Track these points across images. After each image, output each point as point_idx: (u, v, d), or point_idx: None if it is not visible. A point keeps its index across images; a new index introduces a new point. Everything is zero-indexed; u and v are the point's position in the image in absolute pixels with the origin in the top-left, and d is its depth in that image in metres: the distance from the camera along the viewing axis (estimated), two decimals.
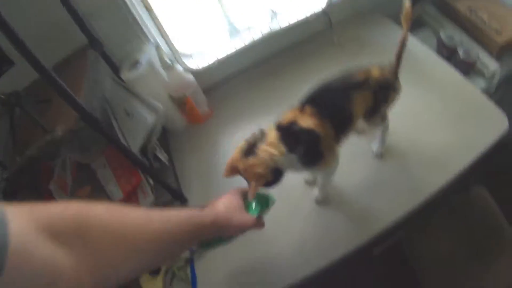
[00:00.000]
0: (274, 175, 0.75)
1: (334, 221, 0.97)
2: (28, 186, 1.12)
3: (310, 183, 1.04)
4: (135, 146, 1.04)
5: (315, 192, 1.00)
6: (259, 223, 0.77)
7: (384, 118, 0.94)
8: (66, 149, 1.19)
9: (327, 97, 0.79)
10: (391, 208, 0.94)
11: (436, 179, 0.96)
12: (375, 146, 1.03)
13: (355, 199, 0.98)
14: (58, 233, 0.41)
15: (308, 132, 0.75)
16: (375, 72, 0.82)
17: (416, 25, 1.44)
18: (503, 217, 1.19)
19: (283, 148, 0.74)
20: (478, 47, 1.28)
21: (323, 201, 1.00)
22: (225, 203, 0.74)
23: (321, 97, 0.79)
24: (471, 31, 1.32)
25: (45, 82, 0.69)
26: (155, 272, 1.05)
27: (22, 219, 0.39)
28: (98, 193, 1.15)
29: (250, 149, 0.75)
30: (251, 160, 0.73)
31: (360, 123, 0.87)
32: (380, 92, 0.83)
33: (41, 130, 0.85)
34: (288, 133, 0.75)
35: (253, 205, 0.80)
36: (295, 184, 1.05)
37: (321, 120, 0.76)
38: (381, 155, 1.03)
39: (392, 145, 1.04)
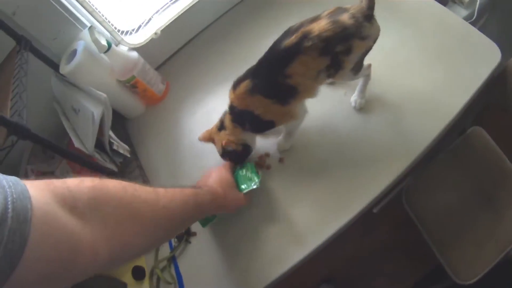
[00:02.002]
0: (243, 149, 0.87)
1: (328, 191, 0.86)
2: None
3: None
4: (89, 144, 0.94)
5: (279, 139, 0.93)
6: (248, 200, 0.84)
7: (357, 70, 0.79)
8: (27, 161, 1.11)
9: (261, 69, 0.77)
10: (387, 167, 0.83)
11: (431, 126, 0.84)
12: (353, 98, 0.90)
13: (345, 163, 0.87)
14: (75, 206, 0.43)
15: (243, 112, 0.79)
16: (319, 26, 0.69)
17: None
18: (505, 156, 1.09)
19: (238, 129, 0.83)
20: None
21: (285, 149, 0.93)
22: (219, 181, 0.79)
23: (258, 70, 0.77)
24: None
25: None
26: (139, 276, 0.99)
27: (42, 192, 0.41)
28: None
29: (221, 125, 0.86)
30: (222, 133, 0.85)
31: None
32: (335, 46, 0.70)
33: None
34: (234, 113, 0.82)
35: (242, 182, 0.85)
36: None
37: (253, 97, 0.77)
38: (360, 108, 0.90)
39: (376, 96, 0.90)
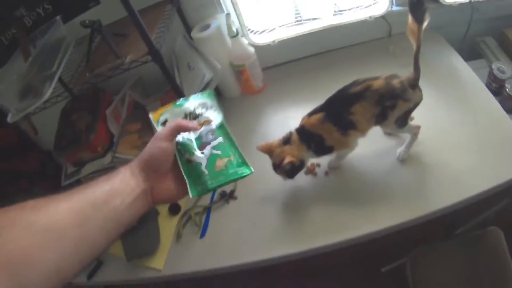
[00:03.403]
0: (300, 164, 1.00)
1: (342, 209, 1.04)
2: (87, 109, 1.27)
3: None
4: (189, 94, 1.17)
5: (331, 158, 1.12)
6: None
7: (401, 125, 1.00)
8: (128, 88, 1.35)
9: (333, 105, 0.98)
10: (401, 210, 0.98)
11: (445, 198, 0.98)
12: (399, 150, 1.09)
13: (373, 194, 1.04)
14: None
15: (312, 134, 0.98)
16: (377, 83, 0.93)
17: (474, 56, 1.48)
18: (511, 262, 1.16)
19: (304, 147, 0.99)
20: None
21: (333, 167, 1.13)
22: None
23: (330, 105, 0.99)
24: None
25: (129, 16, 0.84)
26: (174, 211, 1.18)
27: None
28: (146, 131, 1.30)
29: (285, 142, 1.00)
30: (286, 148, 0.99)
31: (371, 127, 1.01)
32: (385, 101, 0.93)
33: (113, 57, 1.00)
34: (303, 134, 0.99)
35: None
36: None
37: (323, 124, 0.97)
38: (402, 160, 1.08)
39: (417, 154, 1.09)
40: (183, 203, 1.19)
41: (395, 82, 0.94)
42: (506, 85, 1.28)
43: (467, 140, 1.10)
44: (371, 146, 1.11)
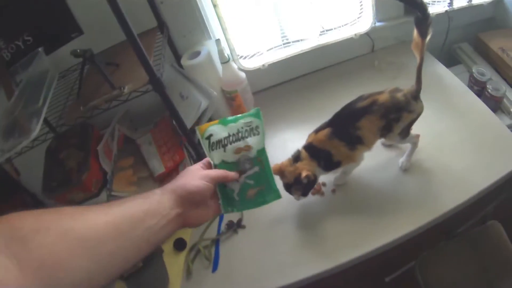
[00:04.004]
0: (314, 178, 0.99)
1: (354, 224, 1.04)
2: (76, 146, 1.21)
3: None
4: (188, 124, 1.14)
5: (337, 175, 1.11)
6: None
7: (404, 136, 1.03)
8: (117, 123, 1.30)
9: (339, 120, 1.00)
10: (411, 219, 1.00)
11: (453, 198, 1.01)
12: (401, 160, 1.11)
13: (382, 207, 1.05)
14: None
15: (321, 150, 0.99)
16: (383, 97, 0.96)
17: (452, 62, 1.54)
18: None
19: (314, 163, 0.99)
20: (507, 86, 1.36)
21: (339, 184, 1.13)
22: (183, 173, 0.68)
23: (336, 120, 1.00)
24: (501, 70, 1.42)
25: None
26: (180, 248, 1.12)
27: None
28: (140, 166, 1.25)
29: (295, 160, 0.99)
30: (299, 165, 0.97)
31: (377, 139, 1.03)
32: (390, 114, 0.96)
33: (106, 88, 0.96)
34: (311, 151, 0.99)
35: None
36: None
37: (331, 140, 0.98)
38: (406, 169, 1.10)
39: (418, 161, 1.12)
40: (188, 238, 1.14)
41: (399, 95, 0.96)
42: (487, 86, 1.34)
43: (462, 141, 1.15)
44: (373, 159, 1.11)
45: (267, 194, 0.70)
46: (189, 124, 1.12)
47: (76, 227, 0.47)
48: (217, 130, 0.71)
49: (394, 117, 0.96)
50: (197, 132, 0.71)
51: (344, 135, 0.98)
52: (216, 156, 0.70)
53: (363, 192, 1.10)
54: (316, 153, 0.99)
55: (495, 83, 1.35)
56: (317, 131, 1.02)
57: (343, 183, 1.12)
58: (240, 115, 0.72)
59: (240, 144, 0.70)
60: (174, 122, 1.12)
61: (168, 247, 1.13)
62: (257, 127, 0.71)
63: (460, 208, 1.00)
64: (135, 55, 0.85)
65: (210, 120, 1.26)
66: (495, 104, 1.33)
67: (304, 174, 0.94)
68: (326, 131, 0.99)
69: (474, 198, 1.01)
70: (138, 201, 0.58)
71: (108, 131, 1.28)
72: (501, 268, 1.20)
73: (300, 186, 0.98)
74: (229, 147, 0.70)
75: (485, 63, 1.48)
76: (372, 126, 0.97)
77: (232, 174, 0.69)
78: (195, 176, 0.65)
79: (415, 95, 0.98)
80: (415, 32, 0.94)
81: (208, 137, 0.70)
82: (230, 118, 0.72)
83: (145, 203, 0.58)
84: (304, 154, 1.00)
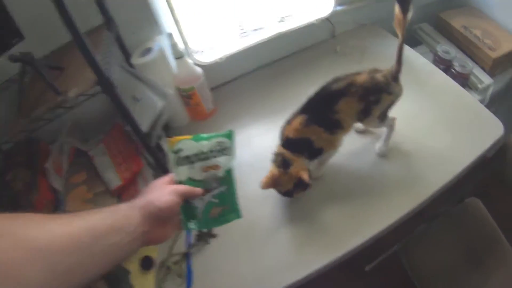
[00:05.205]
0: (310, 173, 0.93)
1: (335, 218, 0.97)
2: (23, 164, 1.07)
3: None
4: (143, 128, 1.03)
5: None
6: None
7: (382, 119, 0.98)
8: (65, 135, 1.16)
9: (315, 105, 0.93)
10: (396, 205, 0.96)
11: (436, 179, 0.99)
12: (378, 145, 1.06)
13: (363, 197, 1.00)
14: None
15: (299, 140, 0.92)
16: (361, 78, 0.90)
17: (413, 43, 1.52)
18: (497, 228, 1.22)
19: (301, 156, 0.93)
20: (472, 63, 1.35)
21: (316, 177, 1.04)
22: (149, 189, 0.64)
23: (311, 105, 0.93)
24: (465, 47, 1.41)
25: (73, 39, 0.71)
26: (148, 267, 1.00)
27: None
28: (94, 181, 1.12)
29: (285, 165, 0.92)
30: (293, 169, 0.91)
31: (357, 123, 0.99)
32: (370, 96, 0.90)
33: (52, 95, 0.83)
34: (292, 146, 0.93)
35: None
36: None
37: (308, 127, 0.91)
38: (383, 155, 1.05)
39: (396, 145, 1.08)
40: (155, 255, 1.02)
41: (379, 76, 0.91)
42: (454, 63, 1.32)
43: (438, 120, 1.12)
44: (347, 147, 1.04)
45: (229, 212, 0.70)
46: (145, 127, 1.01)
47: (32, 235, 0.44)
48: (188, 146, 0.68)
49: (373, 99, 0.91)
50: (167, 144, 0.68)
51: (321, 120, 0.91)
52: (182, 172, 0.68)
53: (343, 183, 1.03)
54: (297, 145, 0.93)
55: (461, 60, 1.34)
56: (289, 121, 0.94)
57: (321, 176, 1.05)
58: (214, 134, 0.70)
59: (209, 162, 0.68)
60: (128, 128, 1.00)
61: (134, 267, 1.00)
62: (228, 148, 0.70)
63: (448, 186, 0.98)
64: (81, 58, 0.74)
65: (179, 134, 1.15)
66: (463, 81, 1.31)
67: (305, 176, 0.89)
68: (300, 118, 0.91)
69: (461, 175, 0.99)
70: (102, 215, 0.54)
71: (56, 144, 1.13)
72: (486, 245, 1.20)
73: (302, 187, 0.93)
74: (197, 164, 0.68)
75: (447, 41, 1.47)
76: (350, 109, 0.91)
77: (199, 190, 0.66)
78: (164, 191, 0.62)
79: (395, 76, 0.92)
80: (397, 8, 0.88)
81: (177, 151, 0.68)
82: (203, 135, 0.69)
83: (110, 217, 0.54)
84: (287, 154, 0.93)
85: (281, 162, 0.93)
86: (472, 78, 1.34)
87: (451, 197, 1.30)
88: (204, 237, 1.01)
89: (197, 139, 0.69)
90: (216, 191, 0.68)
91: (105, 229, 0.52)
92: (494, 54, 1.30)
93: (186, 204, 0.66)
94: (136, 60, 1.10)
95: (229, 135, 0.70)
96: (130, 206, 0.59)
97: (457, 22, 1.42)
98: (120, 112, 0.87)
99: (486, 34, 1.36)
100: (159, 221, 0.61)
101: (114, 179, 1.09)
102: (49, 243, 0.44)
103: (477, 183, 1.23)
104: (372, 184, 1.01)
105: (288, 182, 0.92)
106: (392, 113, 1.00)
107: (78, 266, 0.47)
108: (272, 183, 0.92)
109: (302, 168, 0.91)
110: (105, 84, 0.79)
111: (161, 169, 1.05)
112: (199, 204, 0.67)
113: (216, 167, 0.68)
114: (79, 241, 0.48)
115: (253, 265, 0.93)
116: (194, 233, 1.03)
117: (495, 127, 1.07)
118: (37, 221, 0.46)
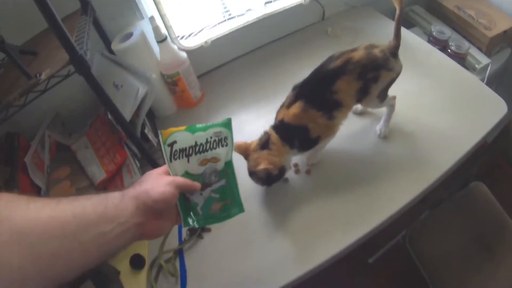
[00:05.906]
0: (279, 172, 0.87)
1: (336, 207, 0.91)
2: (1, 161, 0.99)
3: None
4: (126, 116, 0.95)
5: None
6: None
7: (382, 98, 0.92)
8: (45, 127, 1.09)
9: (311, 87, 0.86)
10: (401, 190, 0.90)
11: (443, 160, 0.93)
12: (378, 127, 1.00)
13: (365, 182, 0.93)
14: None
15: (295, 127, 0.85)
16: (358, 55, 0.84)
17: (406, 26, 1.47)
18: (504, 212, 1.17)
19: (286, 148, 0.86)
20: (468, 42, 1.31)
21: (313, 163, 0.99)
22: (144, 178, 0.61)
23: (307, 88, 0.86)
24: (459, 28, 1.37)
25: (43, 15, 0.64)
26: (138, 266, 0.92)
27: None
28: (78, 175, 1.05)
29: (263, 145, 0.86)
30: (264, 153, 0.85)
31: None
32: (368, 73, 0.84)
33: (24, 80, 0.76)
34: (283, 131, 0.86)
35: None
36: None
37: (306, 112, 0.84)
38: (385, 136, 1.00)
39: (398, 125, 1.02)
40: (146, 253, 0.94)
41: (376, 51, 0.85)
42: (449, 44, 1.28)
43: (440, 100, 1.07)
44: (347, 130, 0.98)
45: (231, 208, 0.67)
46: (127, 115, 0.94)
47: (13, 217, 0.40)
48: (183, 138, 0.64)
49: (372, 76, 0.84)
50: (160, 136, 0.63)
51: (319, 103, 0.85)
52: (178, 166, 0.64)
53: (343, 168, 0.97)
54: (290, 132, 0.86)
55: (456, 40, 1.30)
56: (288, 105, 0.87)
57: (318, 161, 0.98)
58: (210, 124, 0.66)
59: (207, 155, 0.65)
60: (109, 116, 0.93)
61: (124, 266, 0.92)
62: (226, 138, 0.66)
63: (457, 166, 0.92)
64: (55, 41, 0.68)
65: (149, 111, 1.09)
66: (460, 62, 1.27)
67: (261, 167, 0.82)
68: (299, 103, 0.85)
69: (468, 154, 0.93)
70: (92, 201, 0.50)
71: (36, 138, 1.06)
72: (494, 230, 1.14)
73: (258, 178, 0.88)
74: (194, 157, 0.64)
75: (440, 22, 1.43)
76: (349, 88, 0.84)
77: (197, 183, 0.63)
78: (160, 182, 0.58)
79: (394, 51, 0.86)
80: None
81: (171, 144, 0.63)
82: (199, 126, 0.65)
83: (101, 205, 0.50)
84: (274, 137, 0.87)
85: (262, 140, 0.87)
86: (469, 58, 1.30)
87: (455, 181, 1.24)
88: (197, 231, 0.94)
89: (192, 130, 0.65)
90: (215, 186, 0.65)
91: (94, 217, 0.48)
92: (491, 33, 1.26)
93: (185, 201, 0.64)
94: (116, 45, 1.03)
95: (227, 124, 0.67)
96: (123, 195, 0.54)
97: (450, 3, 1.38)
98: (98, 97, 0.80)
99: (480, 14, 1.32)
100: (154, 214, 0.57)
101: (98, 173, 1.02)
102: (29, 225, 0.41)
103: (481, 165, 1.18)
104: (375, 168, 0.95)
105: (253, 162, 0.86)
106: (391, 92, 0.94)
107: (62, 254, 0.43)
108: (243, 150, 0.88)
109: (272, 160, 0.85)
110: (78, 62, 0.71)
111: (147, 160, 0.98)
112: (198, 201, 0.64)
113: (214, 159, 0.65)
114: (64, 227, 0.44)
115: (251, 261, 0.86)
116: (185, 228, 0.95)
117: (498, 105, 1.02)
118: (18, 202, 0.43)
